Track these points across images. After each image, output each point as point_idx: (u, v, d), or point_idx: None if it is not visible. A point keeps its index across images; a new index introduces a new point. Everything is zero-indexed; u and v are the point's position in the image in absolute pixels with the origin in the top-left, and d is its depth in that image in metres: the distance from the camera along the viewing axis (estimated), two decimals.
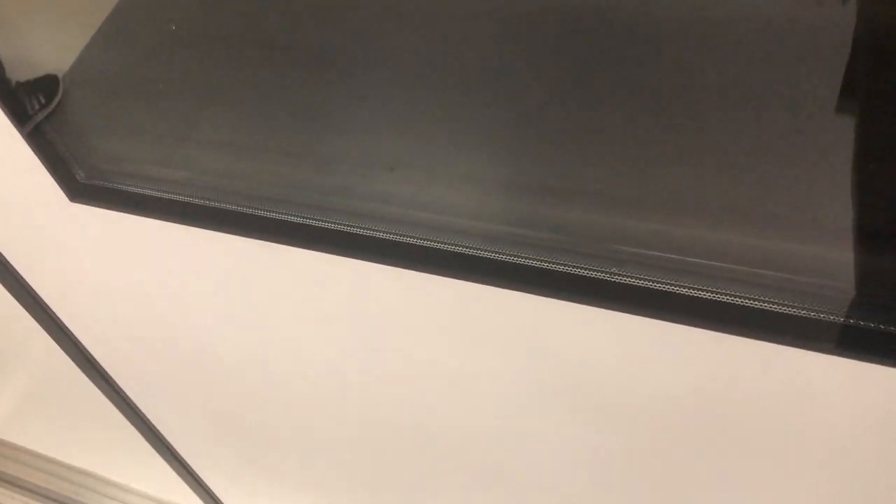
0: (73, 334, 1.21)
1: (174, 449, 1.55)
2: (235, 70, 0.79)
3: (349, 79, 0.74)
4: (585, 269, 0.63)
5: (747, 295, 0.59)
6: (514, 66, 0.68)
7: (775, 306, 0.58)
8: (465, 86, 0.70)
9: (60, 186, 0.83)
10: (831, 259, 0.57)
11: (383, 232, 0.71)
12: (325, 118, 0.75)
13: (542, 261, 0.65)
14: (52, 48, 0.83)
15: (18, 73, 0.77)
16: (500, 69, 0.68)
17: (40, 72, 0.80)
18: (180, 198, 0.78)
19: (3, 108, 0.77)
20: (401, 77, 0.72)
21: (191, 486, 1.71)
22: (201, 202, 0.78)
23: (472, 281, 0.70)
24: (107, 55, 0.83)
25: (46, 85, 0.81)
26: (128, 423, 1.47)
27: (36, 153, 0.81)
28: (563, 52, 0.66)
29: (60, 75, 0.82)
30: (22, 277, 1.09)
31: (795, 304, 0.57)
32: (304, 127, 0.76)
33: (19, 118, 0.79)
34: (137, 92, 0.84)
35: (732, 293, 0.59)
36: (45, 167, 0.81)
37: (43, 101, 0.80)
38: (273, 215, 0.75)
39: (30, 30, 0.81)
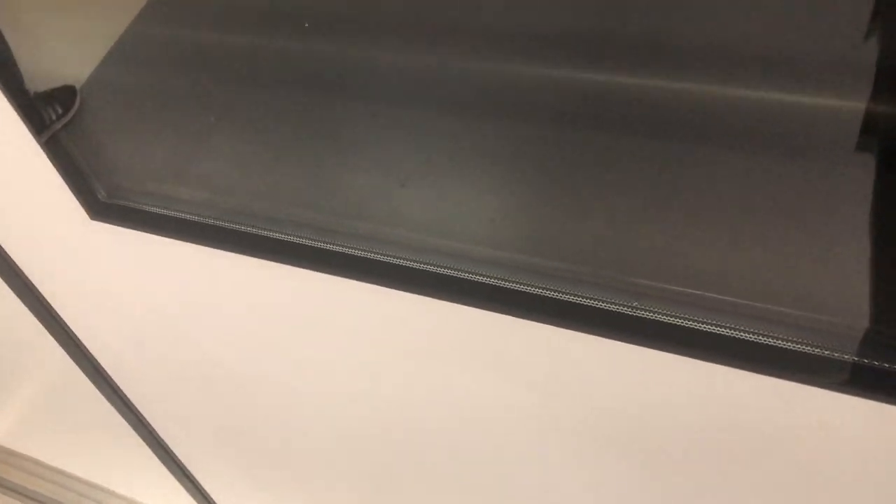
0: (85, 347, 1.21)
1: (180, 462, 1.55)
2: (250, 88, 0.80)
3: (362, 97, 0.75)
4: (605, 301, 0.63)
5: (766, 332, 0.59)
6: (531, 88, 0.68)
7: (794, 344, 0.58)
8: (479, 106, 0.71)
9: (81, 204, 0.84)
10: (850, 298, 0.57)
11: (399, 258, 0.71)
12: (339, 135, 0.76)
13: (559, 292, 0.65)
14: (69, 60, 0.84)
15: (37, 84, 0.78)
16: (517, 91, 0.69)
17: (58, 82, 0.81)
18: (198, 218, 0.79)
19: (22, 119, 0.78)
20: (413, 96, 0.73)
21: (195, 498, 1.71)
22: (217, 223, 0.79)
23: (487, 309, 0.70)
24: (124, 68, 0.84)
25: (64, 95, 0.81)
26: (135, 435, 1.47)
27: (55, 165, 0.81)
28: (583, 74, 0.66)
29: (78, 86, 0.83)
30: (37, 290, 1.10)
31: (814, 343, 0.57)
32: (318, 144, 0.77)
33: (38, 128, 0.79)
34: (154, 105, 0.84)
35: (753, 330, 0.59)
36: (67, 185, 0.82)
37: (60, 111, 0.81)
38: (286, 238, 0.76)
39: (48, 41, 0.81)
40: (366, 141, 0.75)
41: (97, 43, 0.84)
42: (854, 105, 0.56)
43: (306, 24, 0.76)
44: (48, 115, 0.80)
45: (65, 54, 0.84)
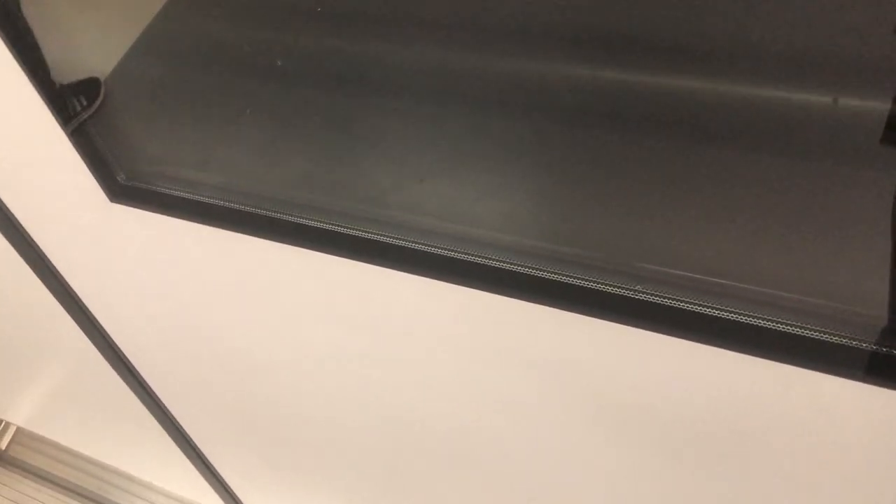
0: (105, 332, 1.23)
1: (198, 448, 1.57)
2: (271, 81, 0.81)
3: (381, 92, 0.76)
4: (609, 285, 0.64)
5: (777, 319, 0.59)
6: (546, 83, 0.69)
7: (803, 330, 0.58)
8: (496, 101, 0.71)
9: (101, 187, 0.85)
10: (862, 285, 0.57)
11: (413, 242, 0.72)
12: (359, 130, 0.76)
13: (567, 276, 0.65)
14: (94, 52, 0.85)
15: (62, 76, 0.79)
16: (533, 85, 0.69)
17: (83, 75, 0.83)
18: (217, 202, 0.80)
19: (49, 109, 0.80)
20: (431, 92, 0.74)
21: (211, 485, 1.72)
22: (237, 206, 0.80)
23: (498, 293, 0.70)
24: (147, 60, 0.86)
25: (88, 87, 0.83)
26: (155, 422, 1.49)
27: (79, 153, 0.83)
28: (599, 72, 0.67)
29: (102, 78, 0.84)
30: (59, 273, 1.12)
31: (824, 330, 0.57)
32: (337, 138, 0.78)
33: (64, 118, 0.81)
34: (176, 97, 0.86)
35: (762, 317, 0.59)
36: (88, 168, 0.84)
37: (85, 102, 0.82)
38: (307, 222, 0.76)
39: (74, 34, 0.83)
40: (385, 136, 0.75)
41: (122, 36, 0.85)
42: (878, 103, 0.56)
43: (319, 9, 0.77)
44: (73, 106, 0.81)
45: (90, 47, 0.86)
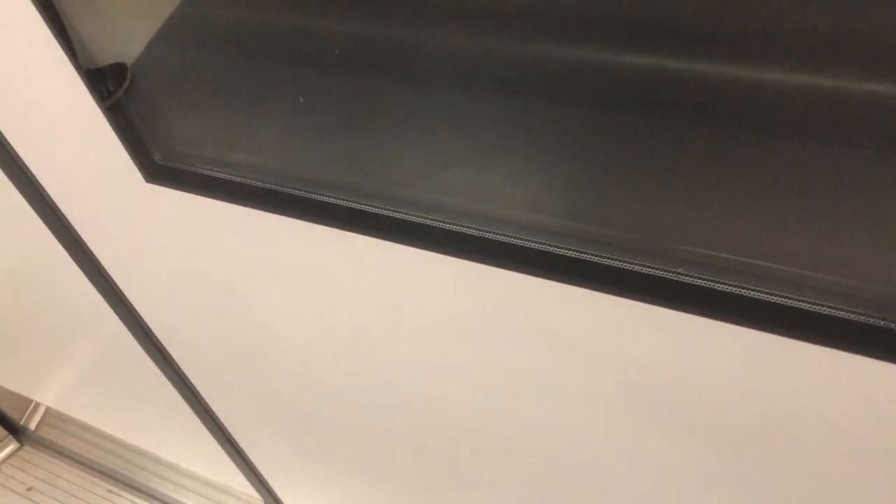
0: (137, 312, 1.24)
1: (227, 431, 1.58)
2: (298, 67, 0.81)
3: (407, 79, 0.76)
4: (650, 267, 0.63)
5: (812, 300, 0.59)
6: (572, 67, 0.68)
7: (846, 314, 0.58)
8: (524, 90, 0.71)
9: (138, 167, 0.86)
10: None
11: (447, 222, 0.72)
12: (385, 116, 0.76)
13: (604, 257, 0.65)
14: (120, 38, 0.86)
15: (88, 61, 0.80)
16: (560, 71, 0.69)
17: (109, 60, 0.83)
18: (252, 182, 0.81)
19: (87, 88, 0.80)
20: (460, 79, 0.73)
21: (241, 469, 1.74)
22: (272, 187, 0.80)
23: (535, 275, 0.70)
24: (174, 46, 0.86)
25: (115, 72, 0.83)
26: (183, 403, 1.51)
27: (116, 133, 0.83)
28: (626, 52, 0.66)
29: (129, 64, 0.85)
30: (93, 254, 1.13)
31: (865, 312, 0.57)
32: (366, 122, 0.78)
33: (98, 100, 0.82)
34: (204, 82, 0.86)
35: (797, 297, 0.59)
36: (125, 148, 0.84)
37: (112, 88, 0.83)
38: (341, 202, 0.77)
39: (99, 20, 0.83)
40: (410, 124, 0.75)
41: (147, 22, 0.86)
42: None
43: None
44: (100, 91, 0.82)
45: (115, 32, 0.86)
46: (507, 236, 0.70)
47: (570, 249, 0.67)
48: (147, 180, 0.87)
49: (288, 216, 0.81)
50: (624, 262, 0.64)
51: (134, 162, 0.86)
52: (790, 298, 0.59)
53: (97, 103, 0.81)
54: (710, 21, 0.62)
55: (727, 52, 0.62)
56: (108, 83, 0.83)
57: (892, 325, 0.57)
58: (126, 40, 0.86)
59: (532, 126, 0.70)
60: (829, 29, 0.58)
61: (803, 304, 0.59)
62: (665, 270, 0.63)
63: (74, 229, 1.09)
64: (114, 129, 0.83)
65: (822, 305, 0.58)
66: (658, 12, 0.63)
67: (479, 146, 0.72)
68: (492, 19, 0.71)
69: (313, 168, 0.80)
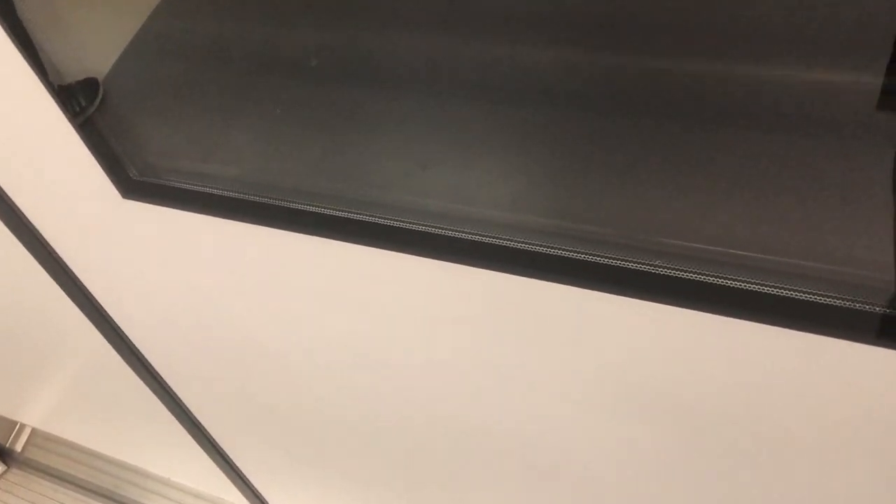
0: (119, 328, 1.23)
1: (215, 442, 1.57)
2: (270, 76, 0.81)
3: (380, 82, 0.76)
4: (628, 260, 0.64)
5: (789, 286, 0.59)
6: (549, 66, 0.69)
7: (819, 297, 0.58)
8: (497, 86, 0.71)
9: (114, 183, 0.85)
10: (876, 249, 0.57)
11: (422, 224, 0.72)
12: (360, 120, 0.76)
13: (582, 252, 0.66)
14: (90, 53, 0.85)
15: (59, 77, 0.80)
16: (535, 69, 0.69)
17: (80, 75, 0.83)
18: (229, 193, 0.80)
19: (59, 107, 0.79)
20: (433, 82, 0.74)
21: (230, 479, 1.73)
22: (248, 197, 0.80)
23: (517, 274, 0.70)
24: (144, 59, 0.86)
25: (86, 88, 0.83)
26: (170, 416, 1.50)
27: (90, 150, 0.83)
28: (598, 52, 0.67)
29: (100, 78, 0.84)
30: (73, 272, 1.12)
31: (843, 296, 0.58)
32: (338, 130, 0.78)
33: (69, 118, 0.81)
34: (176, 94, 0.86)
35: (775, 285, 0.60)
36: (100, 165, 0.84)
37: (84, 103, 0.82)
38: (318, 210, 0.77)
39: (69, 35, 0.83)
40: (386, 126, 0.76)
41: (117, 35, 0.85)
42: (873, 75, 0.57)
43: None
44: (72, 107, 0.81)
45: (86, 47, 0.86)
46: (485, 236, 0.70)
47: (548, 247, 0.67)
48: (123, 196, 0.87)
49: (266, 226, 0.81)
50: (603, 256, 0.65)
51: (109, 178, 0.85)
52: (769, 286, 0.60)
53: (69, 120, 0.80)
54: (678, 18, 0.63)
55: (695, 48, 0.63)
56: (79, 99, 0.82)
57: (873, 308, 0.57)
58: (97, 55, 0.85)
59: (505, 124, 0.71)
60: (795, 21, 0.59)
61: (782, 291, 0.60)
62: (643, 263, 0.63)
63: (52, 248, 1.08)
64: (87, 145, 0.83)
65: (800, 291, 0.59)
66: (627, 12, 0.64)
67: (456, 145, 0.73)
68: (463, 21, 0.72)
69: (291, 176, 0.80)
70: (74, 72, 0.81)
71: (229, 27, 0.84)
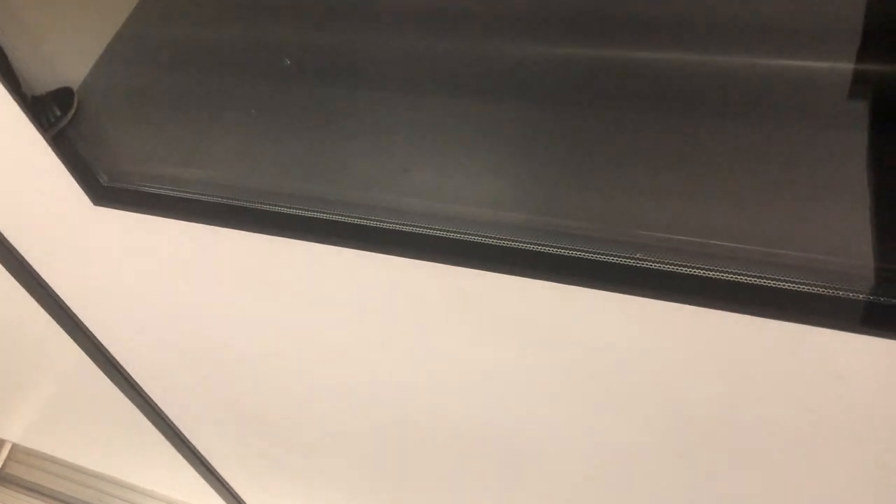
0: (95, 338, 1.22)
1: (199, 452, 1.56)
2: (247, 80, 0.81)
3: (358, 85, 0.75)
4: (606, 254, 0.63)
5: (769, 276, 0.59)
6: (526, 66, 0.69)
7: (800, 286, 0.58)
8: (476, 87, 0.71)
9: (84, 190, 0.84)
10: (854, 236, 0.57)
11: (402, 224, 0.71)
12: (339, 122, 0.76)
13: (561, 248, 0.65)
14: (64, 61, 0.84)
15: (33, 88, 0.78)
16: (513, 68, 0.69)
17: (54, 85, 0.82)
18: (202, 197, 0.79)
19: (28, 117, 0.78)
20: (413, 82, 0.73)
21: (214, 489, 1.72)
22: (223, 201, 0.79)
23: (497, 271, 0.70)
24: (120, 67, 0.85)
25: (62, 98, 0.82)
26: (151, 427, 1.48)
27: (60, 158, 0.82)
28: (576, 54, 0.67)
29: (75, 87, 0.83)
30: (45, 281, 1.10)
31: (820, 284, 0.57)
32: (318, 133, 0.77)
33: (43, 127, 0.80)
34: (152, 100, 0.85)
35: (755, 274, 0.59)
36: (70, 172, 0.82)
37: (59, 113, 0.81)
38: (294, 212, 0.76)
39: (42, 44, 0.82)
40: (366, 129, 0.75)
41: (91, 43, 0.84)
42: (843, 63, 0.57)
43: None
44: (46, 118, 0.80)
45: (60, 56, 0.85)
46: (468, 234, 0.69)
47: (529, 243, 0.67)
48: (94, 203, 0.85)
49: (240, 230, 0.80)
50: (583, 251, 0.64)
51: (79, 185, 0.84)
52: (749, 276, 0.59)
53: (36, 128, 0.79)
54: (651, 11, 0.63)
55: (668, 41, 0.63)
56: (54, 109, 0.81)
57: (856, 295, 0.57)
58: (71, 63, 0.84)
59: (482, 123, 0.70)
60: (766, 10, 0.59)
61: (761, 281, 0.59)
62: (623, 257, 0.62)
63: (24, 258, 1.06)
64: (58, 155, 0.81)
65: (782, 280, 0.59)
66: (604, 8, 0.64)
67: (436, 147, 0.72)
68: (443, 21, 0.71)
69: (269, 180, 0.79)
70: (49, 81, 0.80)
71: (206, 30, 0.83)
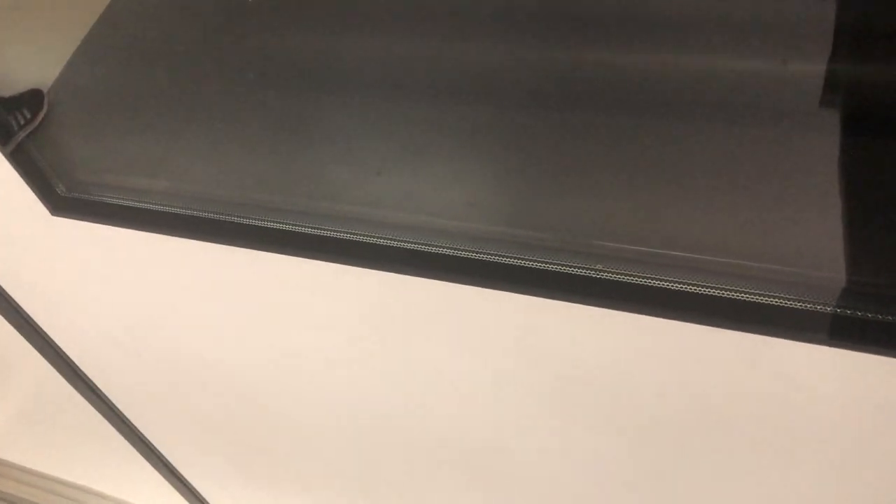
0: (60, 348, 1.20)
1: (166, 459, 1.54)
2: (217, 84, 0.79)
3: (330, 88, 0.74)
4: (569, 266, 0.63)
5: (734, 287, 0.59)
6: (497, 73, 0.68)
7: (764, 298, 0.58)
8: (449, 93, 0.70)
9: (42, 200, 0.82)
10: (820, 249, 0.57)
11: (372, 237, 0.71)
12: (310, 127, 0.75)
13: (526, 259, 0.65)
14: (35, 63, 0.83)
15: (2, 89, 0.77)
16: (484, 75, 0.69)
17: (23, 87, 0.80)
18: (164, 208, 0.78)
19: None
20: (386, 86, 0.73)
21: (185, 496, 1.70)
22: (185, 212, 0.77)
23: (459, 283, 0.69)
24: (91, 68, 0.83)
25: (31, 100, 0.80)
26: (119, 436, 1.46)
27: (17, 169, 0.80)
28: (546, 58, 0.66)
29: (45, 89, 0.82)
30: (6, 292, 1.08)
31: (784, 296, 0.57)
32: (288, 137, 0.76)
33: (3, 137, 0.78)
34: (122, 104, 0.83)
35: (719, 286, 0.59)
36: (27, 182, 0.81)
37: (28, 115, 0.80)
38: (259, 223, 0.75)
39: (11, 45, 0.80)
40: (338, 132, 0.74)
41: (62, 45, 0.83)
42: (815, 67, 0.57)
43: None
44: (15, 120, 0.79)
45: (30, 58, 0.83)
46: (435, 246, 0.69)
47: (494, 255, 0.66)
48: (52, 213, 0.84)
49: (200, 240, 0.79)
50: (544, 262, 0.64)
51: (37, 195, 0.82)
52: (716, 288, 0.59)
53: None
54: (624, 14, 0.63)
55: (639, 45, 0.63)
56: (23, 111, 0.79)
57: (825, 308, 0.57)
58: (41, 65, 0.83)
59: (456, 129, 0.70)
60: (738, 16, 0.59)
61: (729, 293, 0.59)
62: (583, 268, 0.62)
63: None
64: (14, 166, 0.80)
65: (747, 293, 0.59)
66: (572, 8, 0.64)
67: (407, 151, 0.72)
68: (412, 23, 0.71)
69: (232, 189, 0.78)
70: (18, 83, 0.79)
71: (178, 32, 0.82)
